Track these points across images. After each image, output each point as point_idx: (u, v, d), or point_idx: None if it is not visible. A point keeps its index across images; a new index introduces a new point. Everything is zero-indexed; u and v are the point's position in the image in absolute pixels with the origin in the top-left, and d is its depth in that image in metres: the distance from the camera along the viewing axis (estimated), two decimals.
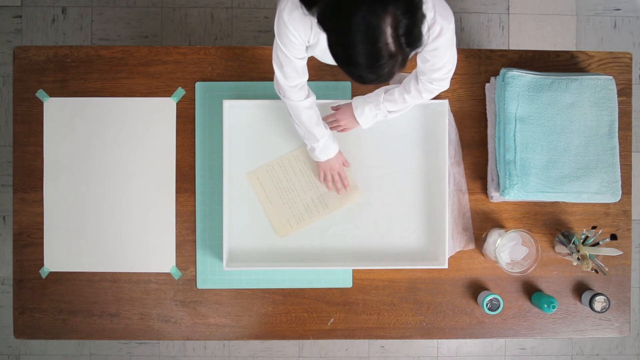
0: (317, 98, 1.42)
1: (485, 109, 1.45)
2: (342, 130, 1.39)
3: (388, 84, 1.32)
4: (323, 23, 0.92)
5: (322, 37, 0.96)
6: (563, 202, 1.43)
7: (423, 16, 0.91)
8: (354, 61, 0.90)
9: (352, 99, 1.36)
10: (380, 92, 1.31)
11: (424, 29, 0.92)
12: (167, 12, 2.20)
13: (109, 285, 1.43)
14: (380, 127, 1.41)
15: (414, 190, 1.43)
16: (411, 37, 0.90)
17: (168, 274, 1.43)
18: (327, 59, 1.03)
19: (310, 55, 1.22)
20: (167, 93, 1.44)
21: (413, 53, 0.95)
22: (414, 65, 1.24)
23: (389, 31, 0.87)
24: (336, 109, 1.39)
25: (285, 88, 1.23)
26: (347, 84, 1.44)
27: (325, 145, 1.33)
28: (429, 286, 1.43)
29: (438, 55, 1.14)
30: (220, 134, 1.40)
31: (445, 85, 1.26)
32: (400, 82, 1.36)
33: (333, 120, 1.38)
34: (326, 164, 1.38)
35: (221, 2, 2.20)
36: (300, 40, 1.11)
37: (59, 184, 1.43)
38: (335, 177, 1.40)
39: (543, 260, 1.43)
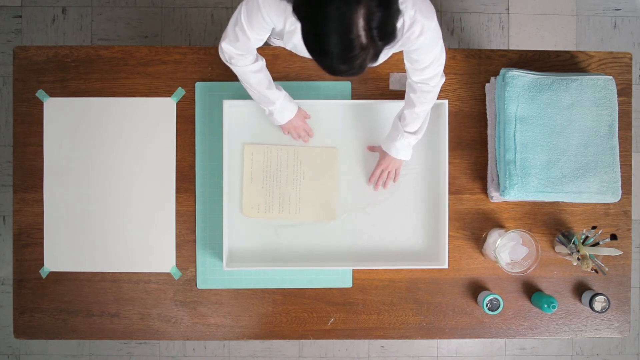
0: (317, 98, 1.43)
1: (485, 109, 1.45)
2: (396, 177, 1.40)
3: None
4: (298, 11, 0.91)
5: (299, 27, 0.96)
6: (563, 202, 1.43)
7: (398, 11, 0.90)
8: (325, 51, 0.89)
9: (382, 144, 1.37)
10: (396, 122, 1.32)
11: (399, 24, 0.91)
12: (167, 12, 2.19)
13: (109, 285, 1.43)
14: (380, 127, 1.41)
15: (413, 190, 1.43)
16: (384, 31, 0.88)
17: (168, 274, 1.43)
18: (304, 51, 1.02)
19: (286, 46, 1.21)
20: (167, 93, 1.44)
21: (393, 48, 0.91)
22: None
23: (361, 23, 0.85)
24: (371, 149, 1.41)
25: (232, 55, 1.22)
26: (347, 84, 1.44)
27: (283, 107, 1.32)
28: (429, 286, 1.43)
29: (423, 54, 1.14)
30: (220, 134, 1.40)
31: (437, 80, 1.23)
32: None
33: (380, 172, 1.38)
34: (289, 125, 1.37)
35: (221, 2, 2.20)
36: (270, 24, 1.10)
37: (59, 184, 1.42)
38: (301, 134, 1.40)
39: (543, 260, 1.43)
